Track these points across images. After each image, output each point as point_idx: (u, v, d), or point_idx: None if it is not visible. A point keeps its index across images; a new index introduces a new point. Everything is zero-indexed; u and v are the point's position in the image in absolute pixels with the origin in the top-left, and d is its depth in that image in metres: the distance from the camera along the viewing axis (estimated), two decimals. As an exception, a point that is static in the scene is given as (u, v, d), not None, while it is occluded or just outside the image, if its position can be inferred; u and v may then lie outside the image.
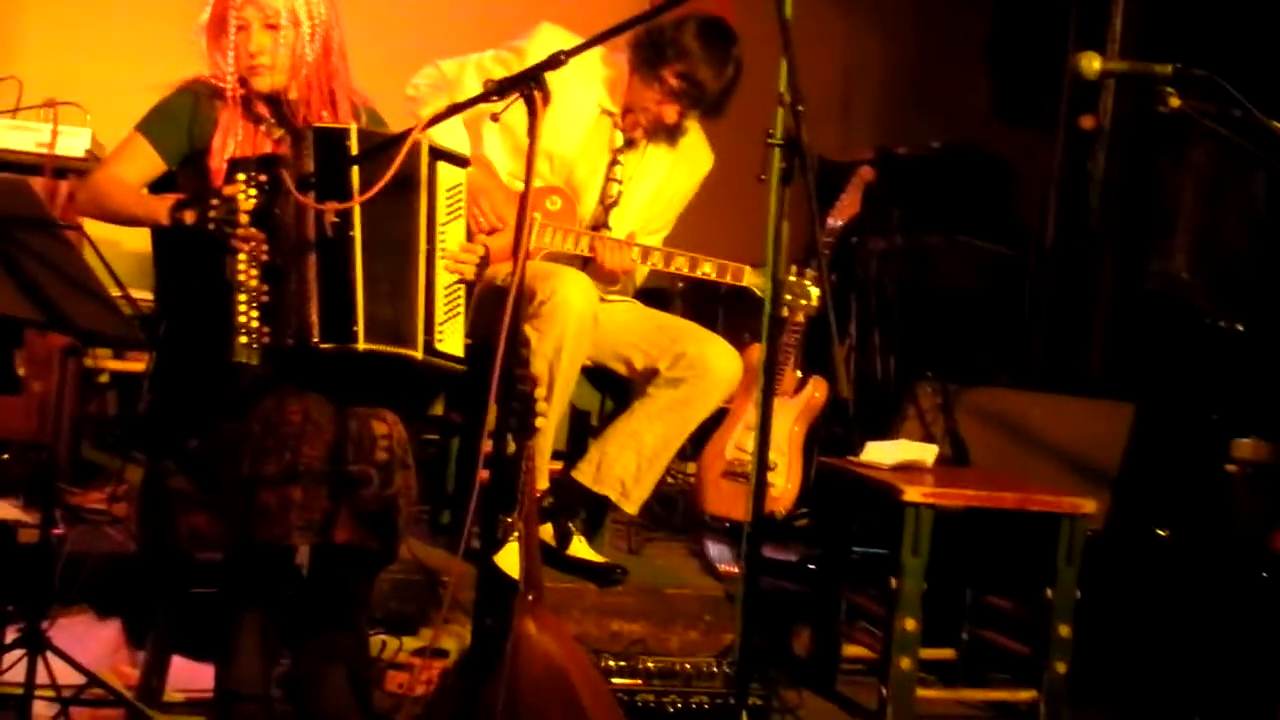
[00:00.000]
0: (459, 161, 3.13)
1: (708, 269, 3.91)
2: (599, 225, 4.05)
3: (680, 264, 3.93)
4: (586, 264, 3.96)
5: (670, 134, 4.05)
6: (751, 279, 3.90)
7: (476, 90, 3.88)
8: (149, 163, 3.08)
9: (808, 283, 3.89)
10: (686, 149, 4.12)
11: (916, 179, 5.63)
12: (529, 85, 2.50)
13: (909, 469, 3.87)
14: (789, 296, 3.86)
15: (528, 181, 2.58)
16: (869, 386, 5.30)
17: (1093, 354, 5.42)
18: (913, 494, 3.59)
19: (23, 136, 4.21)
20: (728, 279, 3.92)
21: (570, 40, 3.90)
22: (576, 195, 4.03)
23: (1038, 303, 5.62)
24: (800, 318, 4.06)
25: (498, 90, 2.55)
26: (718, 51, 3.91)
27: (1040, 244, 5.68)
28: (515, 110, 3.93)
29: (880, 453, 3.93)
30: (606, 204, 4.07)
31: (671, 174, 4.12)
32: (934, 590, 3.69)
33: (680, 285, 5.42)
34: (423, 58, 4.12)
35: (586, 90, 4.01)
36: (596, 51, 3.96)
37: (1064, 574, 3.73)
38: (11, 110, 4.30)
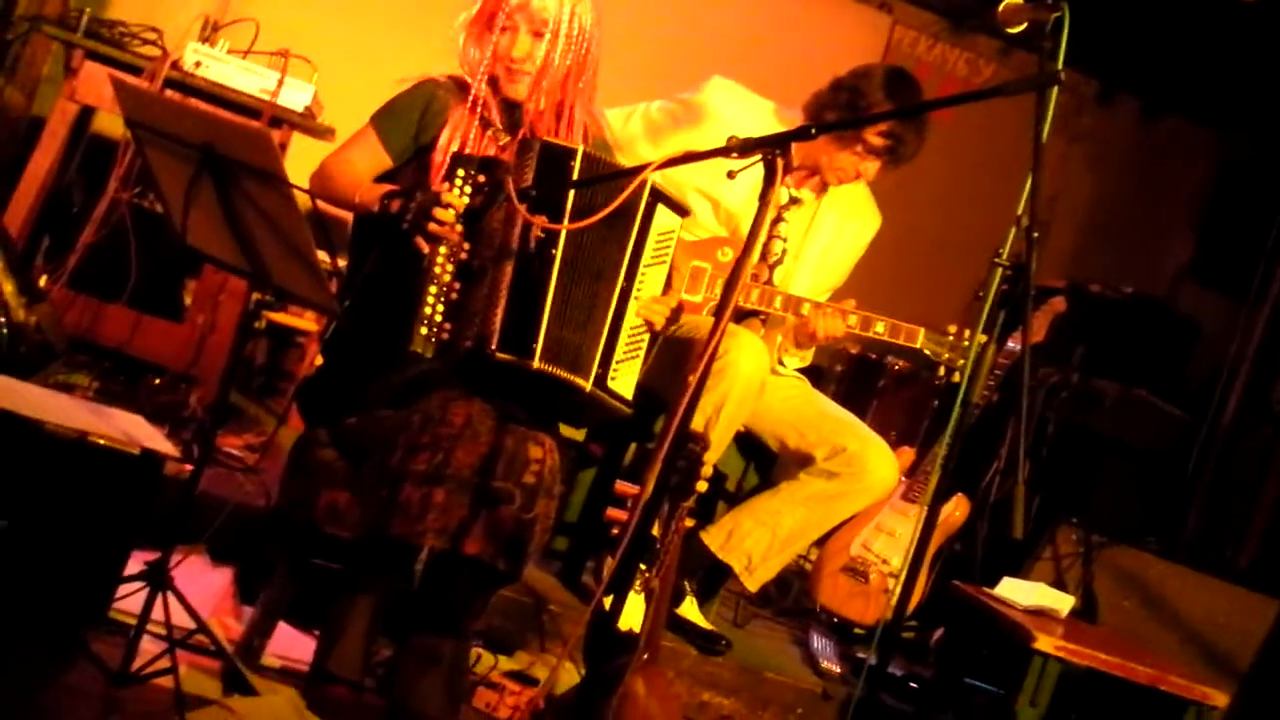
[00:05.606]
0: (678, 209, 3.10)
1: (880, 329, 3.75)
2: (763, 281, 3.98)
3: (854, 322, 3.75)
4: (744, 319, 3.90)
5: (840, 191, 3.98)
6: (926, 342, 3.75)
7: (644, 141, 3.87)
8: (376, 157, 3.09)
9: (966, 343, 3.72)
10: (856, 209, 4.04)
11: (1103, 321, 5.48)
12: (773, 151, 2.44)
13: (1042, 615, 3.74)
14: (948, 355, 3.74)
15: (748, 246, 2.50)
16: (1004, 517, 5.14)
17: (1249, 541, 5.19)
18: (1045, 643, 3.46)
19: (250, 79, 4.21)
20: (900, 339, 3.76)
21: (741, 94, 3.90)
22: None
23: (1201, 475, 5.42)
24: (957, 378, 3.95)
25: (740, 149, 2.49)
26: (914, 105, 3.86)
27: (1218, 416, 5.48)
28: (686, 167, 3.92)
29: (1015, 591, 3.80)
30: (770, 261, 4.01)
31: (840, 233, 4.04)
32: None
33: (839, 369, 5.34)
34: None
35: None
36: (769, 106, 3.93)
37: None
38: (244, 52, 4.32)
